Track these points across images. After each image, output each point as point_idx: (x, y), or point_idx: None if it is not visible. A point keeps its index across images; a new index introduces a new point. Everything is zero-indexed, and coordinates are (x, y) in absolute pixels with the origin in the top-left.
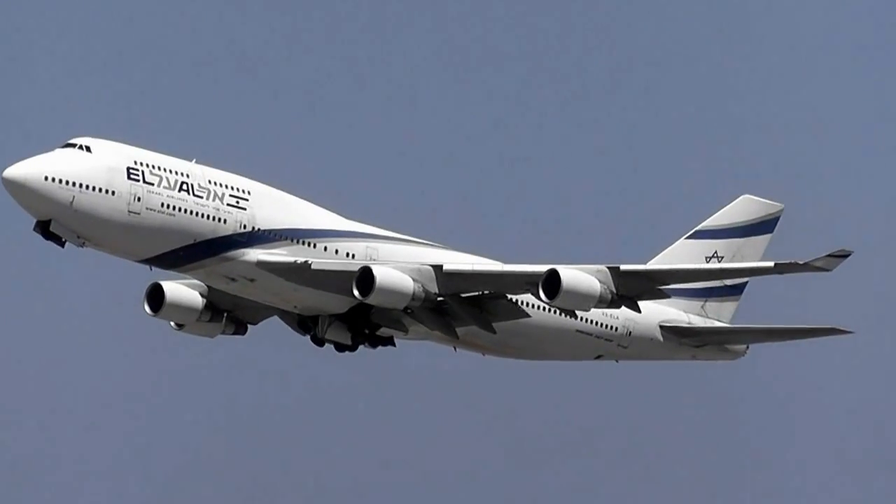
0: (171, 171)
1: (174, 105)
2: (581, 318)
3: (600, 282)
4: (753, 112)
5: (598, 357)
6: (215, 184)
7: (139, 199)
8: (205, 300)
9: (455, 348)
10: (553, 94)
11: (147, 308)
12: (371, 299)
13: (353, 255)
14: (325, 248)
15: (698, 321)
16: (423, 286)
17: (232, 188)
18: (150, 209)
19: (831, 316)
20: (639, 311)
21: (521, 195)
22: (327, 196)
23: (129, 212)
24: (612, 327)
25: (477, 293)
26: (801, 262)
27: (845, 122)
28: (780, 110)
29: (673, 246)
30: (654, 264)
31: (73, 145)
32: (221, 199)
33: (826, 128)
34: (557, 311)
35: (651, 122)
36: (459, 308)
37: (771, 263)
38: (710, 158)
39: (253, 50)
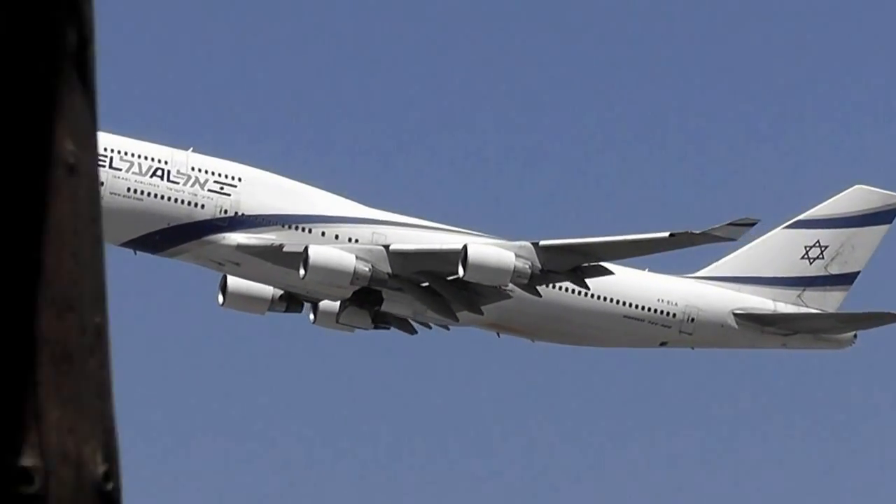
0: (145, 158)
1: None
2: (628, 304)
3: (519, 256)
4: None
5: (663, 344)
6: (199, 170)
7: (102, 184)
8: (281, 290)
9: (498, 334)
10: (659, 71)
11: (220, 298)
12: (308, 278)
13: (357, 241)
14: (323, 234)
15: (789, 310)
16: (371, 265)
17: (218, 174)
18: (115, 194)
19: None
20: (587, 287)
21: (611, 176)
22: (367, 189)
23: None
24: (668, 313)
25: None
26: (696, 232)
27: None
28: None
29: (768, 234)
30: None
31: None
32: (202, 185)
33: None
34: (596, 296)
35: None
36: (443, 289)
37: (665, 234)
38: (817, 148)
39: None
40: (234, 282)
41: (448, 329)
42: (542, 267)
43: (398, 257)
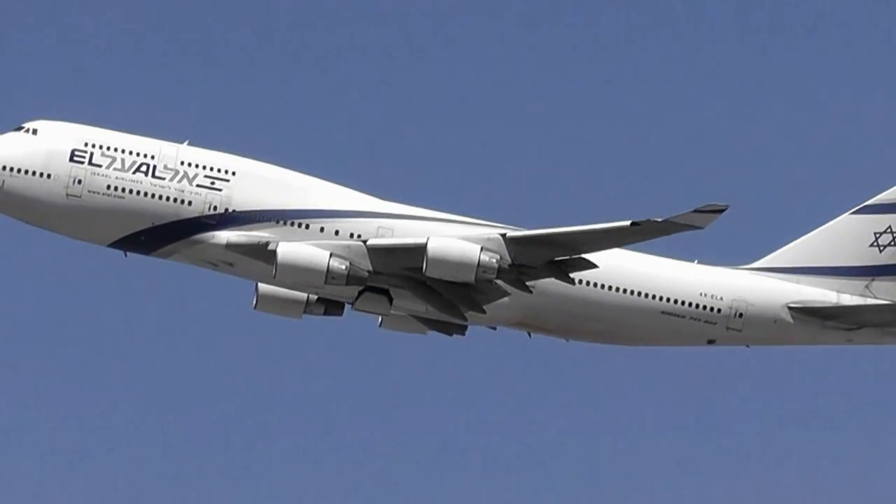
0: (129, 153)
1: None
2: (666, 299)
3: (486, 250)
4: None
5: (711, 342)
6: (189, 164)
7: (79, 181)
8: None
9: (529, 334)
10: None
11: (254, 301)
12: (278, 277)
13: (359, 235)
14: (322, 229)
15: (854, 301)
16: (349, 263)
17: (210, 168)
18: (93, 192)
19: None
20: (571, 282)
21: (668, 165)
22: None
23: (68, 195)
24: (712, 308)
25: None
26: (658, 220)
27: None
28: None
29: (833, 221)
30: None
31: (21, 128)
32: (191, 181)
33: None
34: (631, 290)
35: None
36: (433, 284)
37: (627, 222)
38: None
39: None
40: (265, 284)
41: (495, 329)
42: (512, 260)
43: (378, 253)
